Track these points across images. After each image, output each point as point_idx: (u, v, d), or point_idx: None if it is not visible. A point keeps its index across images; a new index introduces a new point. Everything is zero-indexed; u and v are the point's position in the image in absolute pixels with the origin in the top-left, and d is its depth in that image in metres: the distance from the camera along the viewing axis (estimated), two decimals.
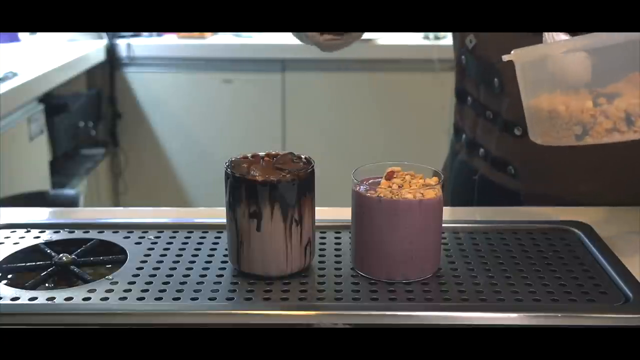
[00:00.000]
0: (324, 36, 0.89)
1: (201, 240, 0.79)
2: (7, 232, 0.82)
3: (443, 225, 0.73)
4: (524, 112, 0.78)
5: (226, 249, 0.74)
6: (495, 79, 0.96)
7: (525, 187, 0.98)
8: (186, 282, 0.70)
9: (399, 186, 0.70)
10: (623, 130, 0.72)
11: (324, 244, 0.79)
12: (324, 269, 0.73)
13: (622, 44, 0.72)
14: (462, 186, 1.07)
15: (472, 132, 1.04)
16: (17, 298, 0.67)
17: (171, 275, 0.71)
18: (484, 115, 1.01)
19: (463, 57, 1.02)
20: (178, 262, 0.74)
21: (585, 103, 0.72)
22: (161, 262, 0.74)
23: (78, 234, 0.81)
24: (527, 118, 0.77)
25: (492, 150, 1.01)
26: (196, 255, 0.76)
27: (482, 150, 1.03)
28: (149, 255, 0.76)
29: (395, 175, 0.72)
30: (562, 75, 0.74)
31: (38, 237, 0.80)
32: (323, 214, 0.78)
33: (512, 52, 0.75)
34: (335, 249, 0.77)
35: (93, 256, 0.76)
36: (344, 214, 0.76)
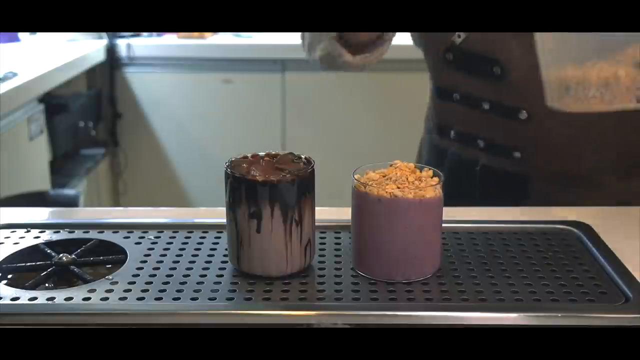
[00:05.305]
0: (355, 58, 0.97)
1: (201, 240, 0.79)
2: (7, 232, 0.82)
3: (443, 225, 0.73)
4: (550, 84, 0.87)
5: (226, 249, 0.74)
6: (495, 68, 0.98)
7: (533, 169, 1.01)
8: (186, 282, 0.70)
9: (398, 186, 0.70)
10: None
11: (324, 244, 0.79)
12: (324, 269, 0.73)
13: None
14: (460, 182, 1.08)
15: (466, 127, 1.05)
16: (17, 298, 0.67)
17: (171, 275, 0.71)
18: (479, 107, 1.02)
19: (449, 54, 1.03)
20: (178, 262, 0.74)
21: None
22: (161, 262, 0.74)
23: (78, 234, 0.81)
24: (560, 88, 0.87)
25: (495, 139, 1.02)
26: (196, 255, 0.76)
27: (480, 141, 1.04)
28: (149, 255, 0.76)
29: (395, 175, 0.72)
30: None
31: (38, 237, 0.80)
32: (323, 214, 0.78)
33: None
34: (335, 249, 0.77)
35: (93, 256, 0.76)
36: (344, 214, 0.76)
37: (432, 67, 1.08)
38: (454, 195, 1.08)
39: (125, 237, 0.80)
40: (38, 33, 2.69)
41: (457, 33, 1.00)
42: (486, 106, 1.01)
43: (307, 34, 1.07)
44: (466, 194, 1.06)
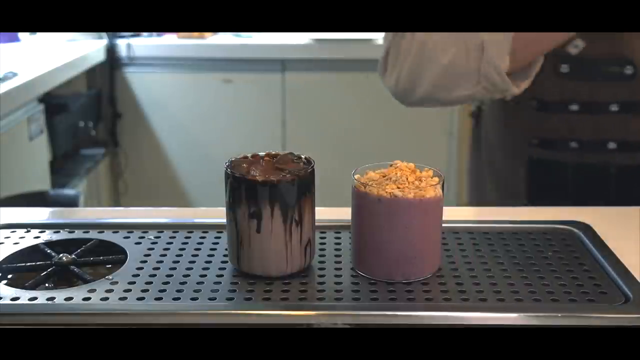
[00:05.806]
0: (520, 86, 0.96)
1: (201, 240, 0.79)
2: (7, 232, 0.82)
3: (443, 225, 0.73)
4: None
5: (226, 249, 0.74)
6: (627, 68, 0.99)
7: None
8: (186, 282, 0.70)
9: (398, 186, 0.70)
10: None
11: (324, 244, 0.79)
12: (324, 269, 0.73)
13: None
14: (592, 189, 1.07)
15: (592, 134, 1.05)
16: (17, 298, 0.67)
17: (171, 275, 0.71)
18: (606, 111, 1.02)
19: (563, 66, 1.02)
20: (178, 262, 0.74)
21: None
22: (161, 262, 0.74)
23: (78, 234, 0.81)
24: None
25: (628, 138, 1.03)
26: (196, 255, 0.76)
27: (611, 144, 1.04)
28: (149, 255, 0.76)
29: (395, 175, 0.72)
30: None
31: (38, 237, 0.80)
32: (323, 214, 0.78)
33: None
34: (335, 249, 0.77)
35: (93, 256, 0.76)
36: (344, 214, 0.76)
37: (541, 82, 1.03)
38: (586, 203, 1.06)
39: (125, 237, 0.80)
40: (38, 33, 2.69)
41: (573, 43, 0.99)
42: (615, 108, 1.02)
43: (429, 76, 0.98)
44: (600, 198, 1.06)
